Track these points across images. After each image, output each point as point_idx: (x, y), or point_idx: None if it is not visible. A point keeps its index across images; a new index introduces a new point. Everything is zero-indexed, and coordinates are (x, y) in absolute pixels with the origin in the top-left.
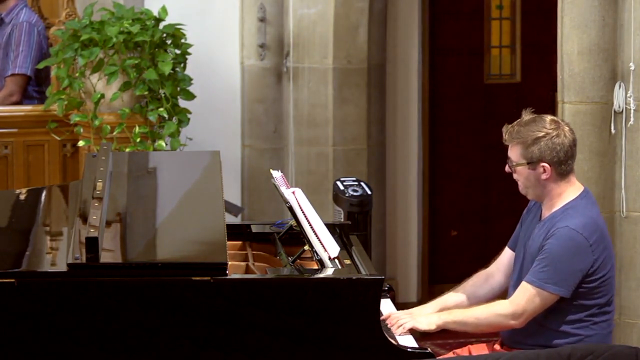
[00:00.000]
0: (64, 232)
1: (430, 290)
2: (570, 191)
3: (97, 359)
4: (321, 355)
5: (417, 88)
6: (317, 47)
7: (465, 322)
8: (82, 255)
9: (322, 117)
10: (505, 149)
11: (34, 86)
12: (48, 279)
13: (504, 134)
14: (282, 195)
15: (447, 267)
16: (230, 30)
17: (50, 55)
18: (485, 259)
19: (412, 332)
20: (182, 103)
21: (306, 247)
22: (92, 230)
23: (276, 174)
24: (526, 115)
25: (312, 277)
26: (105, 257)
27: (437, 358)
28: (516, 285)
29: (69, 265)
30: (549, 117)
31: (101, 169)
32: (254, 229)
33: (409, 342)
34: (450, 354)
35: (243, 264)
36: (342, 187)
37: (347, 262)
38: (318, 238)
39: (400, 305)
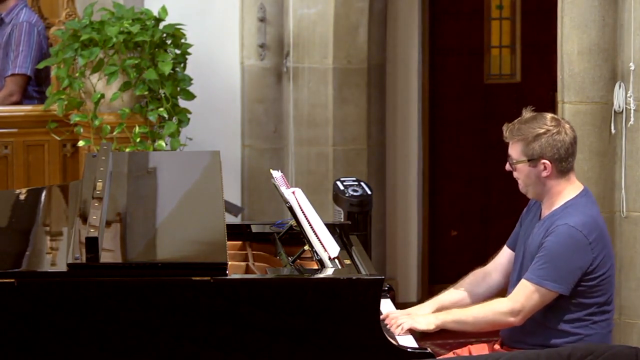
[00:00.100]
0: (64, 232)
1: (430, 290)
2: (570, 189)
3: (97, 359)
4: (321, 355)
5: (417, 88)
6: (317, 47)
7: (464, 321)
8: (82, 255)
9: (322, 117)
10: (505, 148)
11: (34, 86)
12: (48, 279)
13: (504, 132)
14: (282, 195)
15: (447, 267)
16: (230, 30)
17: (50, 55)
18: (485, 259)
19: (412, 332)
20: (182, 103)
21: (306, 247)
22: (92, 230)
23: (276, 174)
24: (527, 113)
25: (312, 277)
26: (105, 257)
27: (437, 358)
28: (516, 284)
29: (69, 265)
30: (549, 115)
31: (101, 169)
32: (254, 229)
33: (408, 342)
34: (450, 354)
35: (243, 264)
36: (342, 187)
37: (347, 262)
38: (318, 238)
39: (400, 306)
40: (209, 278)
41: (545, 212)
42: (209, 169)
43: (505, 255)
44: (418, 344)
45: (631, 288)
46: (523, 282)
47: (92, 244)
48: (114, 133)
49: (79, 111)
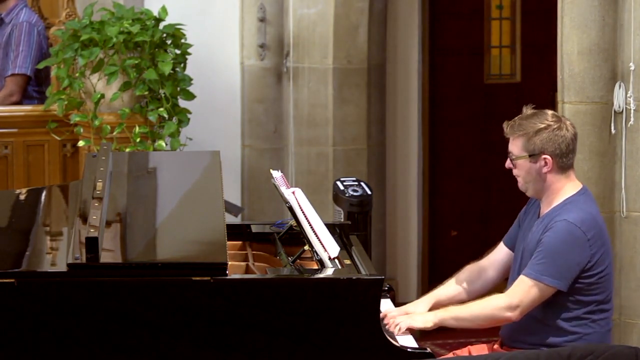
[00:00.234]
0: (64, 232)
1: (430, 290)
2: (569, 187)
3: (97, 359)
4: (321, 355)
5: (417, 88)
6: (317, 47)
7: (461, 318)
8: (82, 255)
9: (322, 117)
10: (505, 148)
11: (34, 86)
12: (48, 279)
13: (504, 128)
14: (282, 195)
15: (447, 267)
16: (230, 30)
17: (50, 55)
18: None
19: (412, 332)
20: (182, 103)
21: (306, 247)
22: (92, 230)
23: (276, 174)
24: (527, 111)
25: (312, 277)
26: (105, 257)
27: (437, 359)
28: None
29: (69, 265)
30: (550, 112)
31: (101, 169)
32: (254, 229)
33: (408, 342)
34: (450, 355)
35: (243, 264)
36: (342, 187)
37: (347, 262)
38: (318, 238)
39: (400, 306)
40: (209, 278)
41: (544, 209)
42: (209, 169)
43: (501, 251)
44: (418, 344)
45: (631, 288)
46: (521, 277)
47: (92, 244)
48: (114, 133)
49: (79, 111)
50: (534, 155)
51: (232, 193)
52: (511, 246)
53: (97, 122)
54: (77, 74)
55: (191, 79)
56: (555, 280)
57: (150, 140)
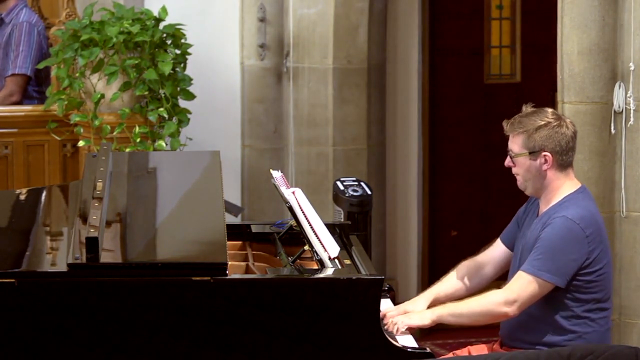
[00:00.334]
0: (64, 232)
1: None
2: (568, 185)
3: (97, 359)
4: (321, 355)
5: (417, 88)
6: (317, 47)
7: (459, 314)
8: (82, 255)
9: (322, 117)
10: (505, 148)
11: (34, 86)
12: (48, 279)
13: (504, 127)
14: (282, 195)
15: (447, 267)
16: (230, 30)
17: (50, 55)
18: None
19: (412, 331)
20: (182, 103)
21: (306, 247)
22: (92, 230)
23: (276, 174)
24: (527, 109)
25: (312, 277)
26: (105, 257)
27: (437, 359)
28: None
29: (69, 265)
30: (550, 110)
31: (101, 169)
32: (254, 229)
33: (408, 342)
34: (450, 355)
35: (243, 264)
36: (342, 187)
37: (347, 262)
38: (318, 238)
39: None
40: (209, 278)
41: (543, 208)
42: (209, 169)
43: (498, 248)
44: (418, 344)
45: (631, 288)
46: (519, 272)
47: (92, 244)
48: (114, 133)
49: (79, 111)
50: (534, 153)
51: (232, 193)
52: (508, 244)
53: (97, 122)
54: (77, 74)
55: (191, 79)
56: (554, 276)
57: (150, 140)
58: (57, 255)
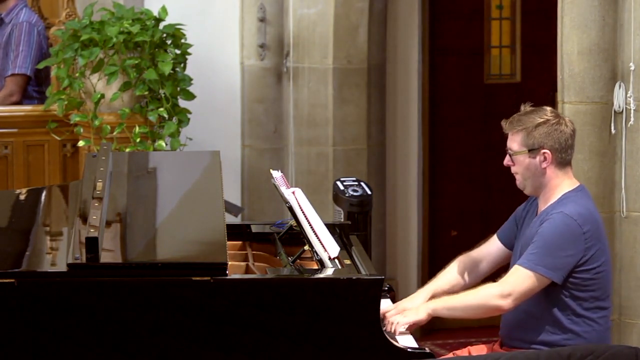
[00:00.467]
0: (64, 232)
1: None
2: (566, 184)
3: (97, 359)
4: (321, 355)
5: (417, 88)
6: (317, 47)
7: (454, 307)
8: (82, 255)
9: (322, 117)
10: (505, 148)
11: (34, 86)
12: (48, 279)
13: (503, 125)
14: (282, 195)
15: None
16: (230, 30)
17: (50, 55)
18: None
19: (412, 331)
20: (182, 103)
21: (306, 247)
22: (92, 230)
23: (276, 174)
24: (526, 108)
25: (312, 277)
26: (105, 257)
27: (437, 359)
28: None
29: (69, 265)
30: (549, 108)
31: (101, 169)
32: (254, 229)
33: (408, 342)
34: (450, 355)
35: (243, 264)
36: (342, 187)
37: (347, 262)
38: (318, 238)
39: None
40: (209, 278)
41: (542, 207)
42: (209, 169)
43: (494, 245)
44: (418, 344)
45: (631, 288)
46: (516, 266)
47: (92, 244)
48: (114, 133)
49: (79, 111)
50: (533, 150)
51: (232, 193)
52: (504, 241)
53: (97, 122)
54: (77, 74)
55: (191, 79)
56: (550, 271)
57: (150, 140)
58: (57, 255)
